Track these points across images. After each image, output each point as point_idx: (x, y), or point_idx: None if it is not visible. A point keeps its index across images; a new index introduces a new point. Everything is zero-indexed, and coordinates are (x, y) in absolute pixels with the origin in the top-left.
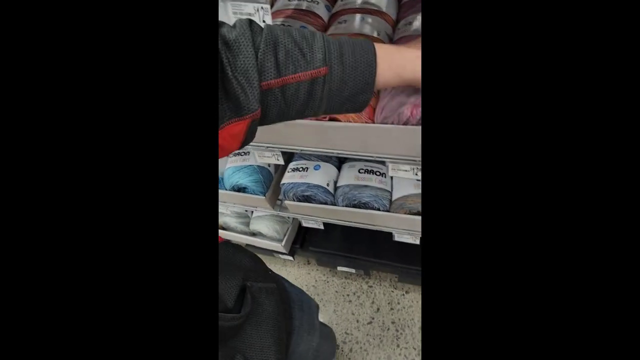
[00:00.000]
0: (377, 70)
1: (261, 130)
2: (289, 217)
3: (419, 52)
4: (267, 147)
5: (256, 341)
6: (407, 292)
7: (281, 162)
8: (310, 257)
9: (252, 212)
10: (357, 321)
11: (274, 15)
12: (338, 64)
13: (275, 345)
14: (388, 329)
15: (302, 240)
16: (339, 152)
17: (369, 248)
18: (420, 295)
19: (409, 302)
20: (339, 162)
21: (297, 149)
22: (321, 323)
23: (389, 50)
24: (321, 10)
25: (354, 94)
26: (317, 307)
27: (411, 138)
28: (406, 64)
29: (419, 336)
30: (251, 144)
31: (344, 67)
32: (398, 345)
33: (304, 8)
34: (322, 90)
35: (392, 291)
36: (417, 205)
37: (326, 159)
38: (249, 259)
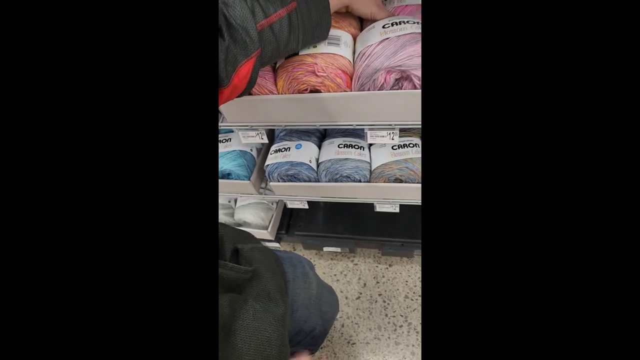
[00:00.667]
0: None
1: (244, 111)
2: (273, 204)
3: None
4: (252, 126)
5: (262, 290)
6: (390, 265)
7: (265, 140)
8: (296, 243)
9: (236, 201)
10: (346, 298)
11: None
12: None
13: (279, 290)
14: (376, 302)
15: (287, 226)
16: (322, 123)
17: (352, 225)
18: (403, 267)
19: (393, 275)
20: (319, 140)
21: (281, 125)
22: (320, 279)
23: None
24: None
25: (318, 18)
26: (311, 264)
27: (387, 102)
28: None
29: (404, 304)
30: (235, 124)
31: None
32: (386, 315)
33: None
34: (297, 20)
35: (377, 266)
36: (395, 172)
37: (307, 137)
38: (235, 230)
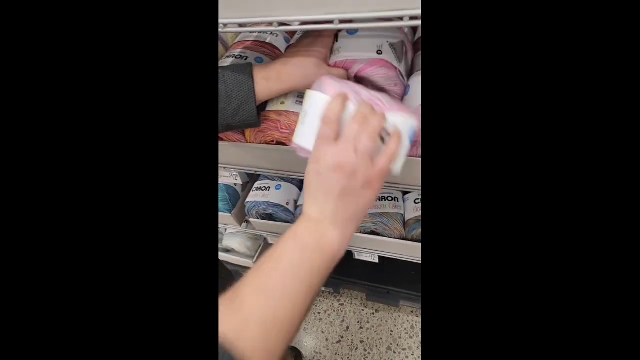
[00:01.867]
0: (256, 84)
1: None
2: (260, 235)
3: (295, 60)
4: (225, 167)
5: None
6: (377, 310)
7: (239, 181)
8: None
9: (226, 229)
10: (327, 340)
11: (235, 46)
12: (222, 83)
13: None
14: (356, 349)
15: None
16: (289, 173)
17: (338, 265)
18: (390, 315)
19: (378, 322)
20: (301, 182)
21: (251, 170)
22: None
23: (273, 66)
24: (280, 42)
25: (240, 105)
26: None
27: None
28: (281, 76)
29: (386, 356)
30: None
31: (226, 85)
32: None
33: (266, 41)
34: None
35: (363, 310)
36: (369, 225)
37: (289, 179)
38: None
